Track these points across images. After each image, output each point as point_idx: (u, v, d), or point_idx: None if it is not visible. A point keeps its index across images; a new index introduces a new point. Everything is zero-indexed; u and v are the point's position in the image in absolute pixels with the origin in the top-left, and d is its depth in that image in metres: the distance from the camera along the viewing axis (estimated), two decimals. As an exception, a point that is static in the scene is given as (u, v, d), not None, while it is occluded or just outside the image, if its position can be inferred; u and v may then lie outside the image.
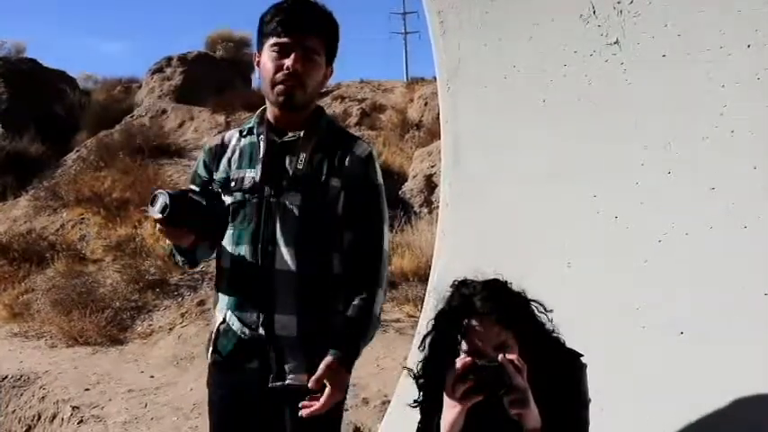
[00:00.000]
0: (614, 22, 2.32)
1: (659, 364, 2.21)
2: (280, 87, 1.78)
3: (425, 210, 10.11)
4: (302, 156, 1.80)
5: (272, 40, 1.78)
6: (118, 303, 7.38)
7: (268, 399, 1.79)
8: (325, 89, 16.99)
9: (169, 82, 15.20)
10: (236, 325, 1.82)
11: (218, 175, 1.89)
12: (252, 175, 1.82)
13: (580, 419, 1.65)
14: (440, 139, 2.89)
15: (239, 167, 1.85)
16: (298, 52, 1.75)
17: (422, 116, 13.49)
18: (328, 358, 1.69)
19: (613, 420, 1.94)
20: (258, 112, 1.92)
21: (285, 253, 1.77)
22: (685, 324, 2.17)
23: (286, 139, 1.83)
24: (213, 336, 1.88)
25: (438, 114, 2.90)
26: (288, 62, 1.75)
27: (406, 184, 10.86)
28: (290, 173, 1.79)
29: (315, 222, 1.78)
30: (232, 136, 1.93)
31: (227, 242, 1.85)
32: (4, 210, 10.98)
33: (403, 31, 31.20)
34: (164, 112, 14.02)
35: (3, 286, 8.28)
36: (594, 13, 2.36)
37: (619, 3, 2.30)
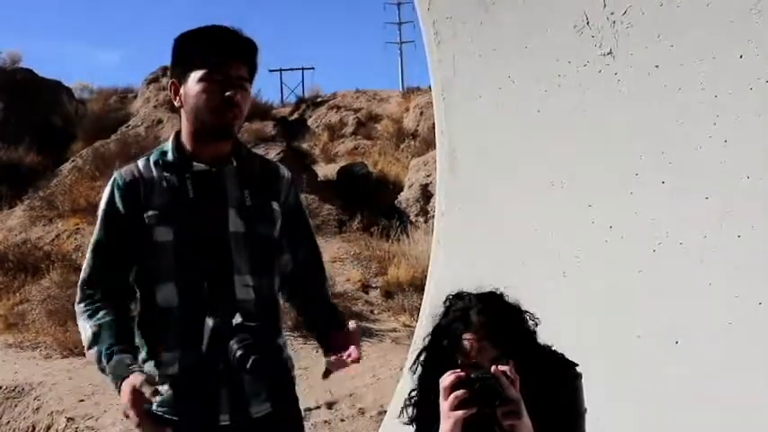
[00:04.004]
0: (608, 32, 2.33)
1: (655, 373, 2.21)
2: (221, 118, 1.72)
3: (421, 219, 10.12)
4: (243, 185, 1.78)
5: (204, 72, 1.72)
6: (113, 313, 7.33)
7: None
8: (320, 98, 17.06)
9: (165, 92, 15.20)
10: (189, 365, 1.70)
11: (151, 212, 1.74)
12: (193, 208, 1.73)
13: (576, 429, 1.65)
14: (435, 148, 2.90)
15: (178, 202, 1.75)
16: (235, 83, 1.73)
17: (418, 126, 13.54)
18: (342, 332, 1.79)
19: (609, 430, 1.94)
20: (172, 142, 1.81)
21: (242, 282, 1.73)
22: (680, 333, 2.17)
23: (218, 167, 1.78)
24: (160, 380, 1.71)
25: (434, 124, 2.91)
26: (229, 93, 1.71)
27: (401, 193, 10.88)
28: (236, 202, 1.76)
29: (264, 248, 1.79)
30: (146, 168, 1.79)
31: (169, 279, 1.73)
32: (-1, 220, 10.96)
33: (398, 40, 31.23)
34: (159, 121, 14.03)
35: (-3, 297, 8.25)
36: (588, 23, 2.37)
37: (612, 14, 2.32)
